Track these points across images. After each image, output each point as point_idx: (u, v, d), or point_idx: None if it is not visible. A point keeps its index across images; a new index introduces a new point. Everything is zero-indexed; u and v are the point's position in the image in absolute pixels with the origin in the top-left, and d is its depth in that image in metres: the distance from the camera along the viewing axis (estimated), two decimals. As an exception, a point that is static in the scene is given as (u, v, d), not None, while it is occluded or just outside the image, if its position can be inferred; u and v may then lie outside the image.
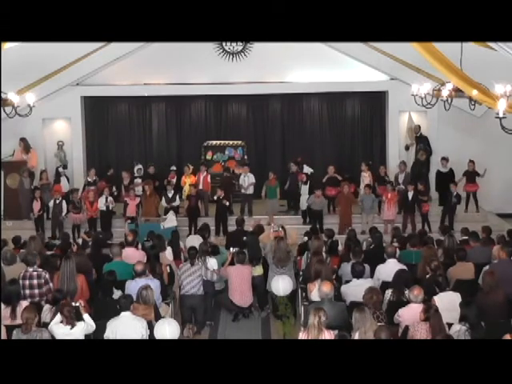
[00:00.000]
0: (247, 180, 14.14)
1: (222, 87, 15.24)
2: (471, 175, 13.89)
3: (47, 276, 8.08)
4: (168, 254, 9.74)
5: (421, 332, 6.39)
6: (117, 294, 7.93)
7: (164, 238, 10.13)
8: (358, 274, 7.96)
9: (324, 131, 16.35)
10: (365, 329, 6.14)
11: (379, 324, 6.48)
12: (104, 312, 7.34)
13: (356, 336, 6.23)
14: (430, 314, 6.39)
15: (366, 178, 14.18)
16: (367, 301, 6.88)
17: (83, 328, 6.71)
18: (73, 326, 6.58)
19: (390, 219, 13.37)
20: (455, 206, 13.26)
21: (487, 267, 8.43)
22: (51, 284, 8.06)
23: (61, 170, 14.91)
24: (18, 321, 6.79)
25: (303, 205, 13.92)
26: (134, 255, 9.18)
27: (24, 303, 7.24)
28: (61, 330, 6.59)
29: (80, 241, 10.83)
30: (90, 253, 9.57)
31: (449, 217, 13.17)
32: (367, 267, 8.45)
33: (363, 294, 7.02)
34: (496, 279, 7.41)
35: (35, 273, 8.04)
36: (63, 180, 14.61)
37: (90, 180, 14.10)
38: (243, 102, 16.33)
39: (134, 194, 13.47)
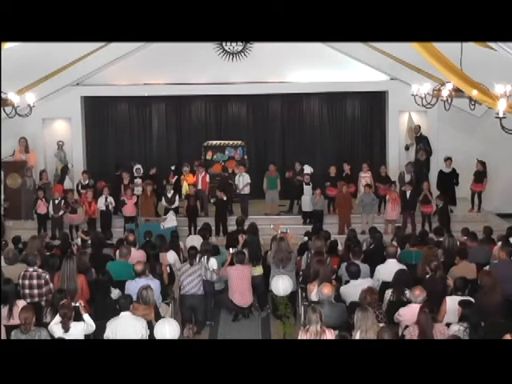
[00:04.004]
0: (242, 180, 14.13)
1: (222, 87, 15.24)
2: (479, 175, 13.90)
3: (47, 277, 8.06)
4: (169, 257, 9.73)
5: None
6: (114, 292, 7.94)
7: (166, 239, 10.15)
8: (352, 274, 7.95)
9: (324, 131, 16.35)
10: (366, 328, 6.14)
11: (381, 325, 6.47)
12: (104, 312, 7.34)
13: (357, 335, 6.23)
14: (421, 314, 6.37)
15: (366, 178, 14.19)
16: (362, 301, 6.89)
17: (83, 328, 6.71)
18: (67, 329, 6.57)
19: (393, 219, 13.39)
20: (445, 213, 13.24)
21: (487, 267, 8.44)
22: (51, 285, 8.05)
23: (70, 166, 14.93)
24: (16, 321, 6.78)
25: (304, 205, 13.92)
26: (134, 255, 9.18)
27: (21, 303, 7.23)
28: (60, 331, 6.59)
29: (79, 240, 10.84)
30: (91, 253, 9.57)
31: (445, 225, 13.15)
32: (366, 267, 8.46)
33: (359, 295, 7.03)
34: (494, 279, 7.40)
35: (35, 273, 8.03)
36: (67, 180, 14.62)
37: (83, 183, 14.06)
38: (243, 102, 16.33)
39: (131, 193, 13.47)
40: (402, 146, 15.55)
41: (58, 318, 6.68)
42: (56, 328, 6.61)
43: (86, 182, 14.03)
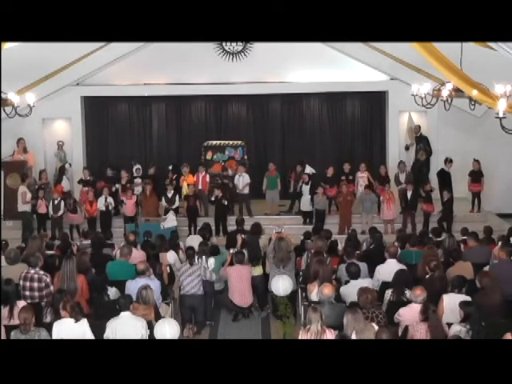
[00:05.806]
0: (242, 180, 14.11)
1: (222, 87, 15.24)
2: (476, 175, 13.88)
3: (48, 280, 8.05)
4: (169, 257, 9.74)
5: (420, 332, 6.38)
6: (111, 291, 7.93)
7: (166, 239, 10.15)
8: (352, 274, 7.94)
9: (324, 131, 16.35)
10: (359, 329, 6.12)
11: (378, 326, 6.46)
12: (103, 312, 7.34)
13: (353, 337, 6.21)
14: (428, 314, 6.37)
15: (363, 177, 14.18)
16: (363, 302, 6.87)
17: (86, 324, 6.69)
18: (78, 319, 6.58)
19: (390, 219, 13.38)
20: (450, 210, 13.20)
21: (487, 267, 8.44)
22: (52, 287, 8.04)
23: (67, 166, 14.93)
24: (16, 321, 6.77)
25: (304, 205, 13.91)
26: (134, 255, 9.19)
27: (21, 303, 7.22)
28: (64, 326, 6.58)
29: (78, 241, 10.83)
30: (91, 253, 9.57)
31: (446, 222, 13.14)
32: (365, 267, 8.45)
33: (358, 297, 7.02)
34: (493, 279, 7.39)
35: (36, 275, 8.01)
36: (65, 180, 14.63)
37: (84, 179, 14.11)
38: (243, 102, 16.32)
39: (131, 193, 13.47)
40: (401, 146, 15.56)
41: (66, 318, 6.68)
42: (58, 325, 6.61)
43: (88, 178, 14.04)
